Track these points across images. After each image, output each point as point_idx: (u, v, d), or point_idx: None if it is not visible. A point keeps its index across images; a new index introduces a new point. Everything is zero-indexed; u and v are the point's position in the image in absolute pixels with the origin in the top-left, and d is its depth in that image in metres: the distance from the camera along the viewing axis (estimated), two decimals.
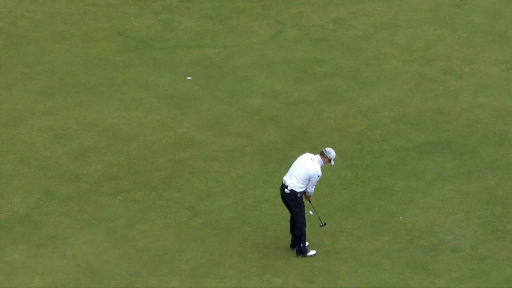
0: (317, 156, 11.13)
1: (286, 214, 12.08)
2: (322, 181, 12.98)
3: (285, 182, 11.10)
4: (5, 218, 11.73)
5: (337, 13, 18.48)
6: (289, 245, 11.50)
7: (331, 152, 11.16)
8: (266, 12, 18.46)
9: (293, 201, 11.09)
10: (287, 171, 11.26)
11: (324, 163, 11.10)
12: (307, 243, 11.42)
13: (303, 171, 11.00)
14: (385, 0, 19.21)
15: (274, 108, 15.02)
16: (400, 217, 12.16)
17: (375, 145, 13.95)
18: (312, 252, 11.37)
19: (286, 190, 11.04)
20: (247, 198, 12.52)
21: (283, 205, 12.25)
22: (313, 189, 11.23)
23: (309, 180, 11.00)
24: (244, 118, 14.64)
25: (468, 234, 11.84)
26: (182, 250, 11.39)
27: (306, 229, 11.36)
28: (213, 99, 15.19)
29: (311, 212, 11.43)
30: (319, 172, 11.02)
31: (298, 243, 11.30)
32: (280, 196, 11.32)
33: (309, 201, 11.44)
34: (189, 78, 16.00)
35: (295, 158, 13.46)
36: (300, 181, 10.98)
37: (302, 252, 11.34)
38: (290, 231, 11.46)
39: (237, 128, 14.28)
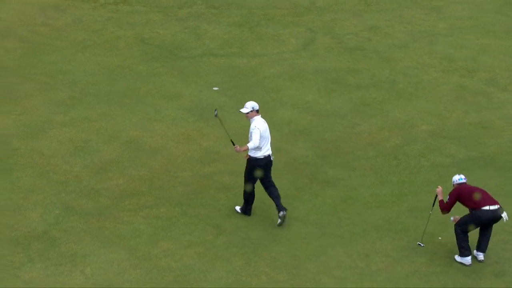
0: (258, 116, 12.05)
1: (316, 233, 12.06)
2: (355, 199, 12.96)
3: (270, 153, 12.08)
4: (23, 235, 11.86)
5: (373, 20, 18.46)
6: (282, 211, 12.02)
7: (256, 105, 12.07)
8: (297, 19, 18.52)
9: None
10: (268, 145, 12.05)
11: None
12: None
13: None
14: (424, 7, 19.16)
15: (305, 120, 15.02)
16: (439, 238, 12.06)
17: (412, 161, 13.87)
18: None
19: (271, 157, 12.14)
20: (276, 215, 12.50)
21: (314, 223, 12.27)
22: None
23: None
24: (273, 131, 14.62)
25: None
26: (207, 270, 11.41)
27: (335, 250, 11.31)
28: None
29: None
30: None
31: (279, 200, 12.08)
32: (263, 169, 12.00)
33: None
34: (215, 88, 16.08)
35: (326, 173, 13.48)
36: None
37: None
38: (272, 195, 12.07)
39: None
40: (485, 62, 16.93)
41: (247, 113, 12.05)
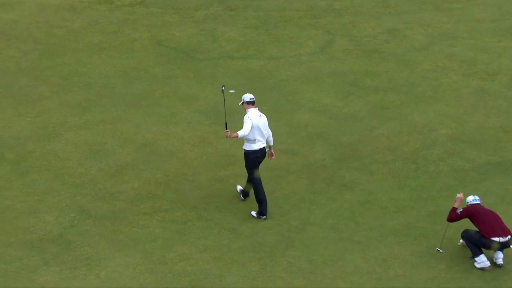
0: (255, 109, 12.39)
1: (333, 237, 12.07)
2: (372, 203, 12.95)
3: (265, 146, 12.38)
4: (38, 238, 11.96)
5: (391, 23, 18.43)
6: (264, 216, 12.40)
7: (251, 96, 12.45)
8: (314, 21, 18.52)
9: None
10: (264, 139, 12.37)
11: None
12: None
13: (267, 128, 12.45)
14: (444, 9, 19.09)
15: (322, 123, 15.03)
16: (459, 243, 12.03)
17: (431, 165, 13.84)
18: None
19: (266, 150, 12.44)
20: (292, 219, 12.53)
21: (331, 228, 12.28)
22: None
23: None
24: (290, 134, 14.68)
25: None
26: (222, 275, 11.45)
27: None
28: None
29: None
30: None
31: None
32: (260, 161, 12.38)
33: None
34: (232, 91, 16.12)
35: (343, 177, 13.48)
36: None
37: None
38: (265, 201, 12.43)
39: (282, 145, 14.33)
40: (506, 65, 16.85)
41: (241, 104, 12.41)
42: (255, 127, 12.21)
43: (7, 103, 15.36)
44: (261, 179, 12.43)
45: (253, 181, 12.36)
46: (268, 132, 12.45)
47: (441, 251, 11.85)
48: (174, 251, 11.82)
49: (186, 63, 17.03)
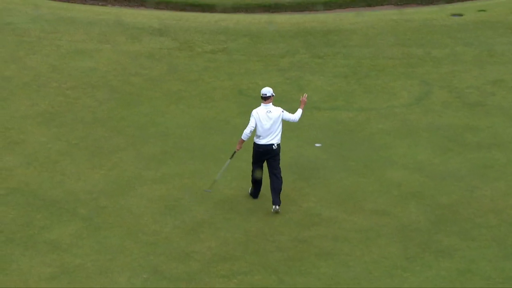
0: (268, 105, 13.69)
1: None
2: (474, 273, 12.57)
3: (272, 143, 13.66)
4: None
5: (497, 73, 18.16)
6: (274, 205, 13.68)
7: (263, 91, 13.75)
8: (410, 71, 18.44)
9: (279, 153, 13.81)
10: (270, 136, 13.65)
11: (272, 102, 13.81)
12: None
13: (277, 124, 13.66)
14: None
15: (417, 182, 14.81)
16: None
17: None
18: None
19: (274, 147, 13.73)
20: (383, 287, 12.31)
21: None
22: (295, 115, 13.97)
23: (281, 123, 13.75)
24: (381, 193, 14.51)
25: None
26: None
27: None
28: (345, 170, 15.20)
29: None
30: (281, 109, 13.86)
31: (279, 194, 13.73)
32: (263, 155, 13.73)
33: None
34: (318, 144, 16.10)
35: (441, 242, 13.17)
36: (280, 132, 13.81)
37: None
38: (270, 186, 13.72)
39: (372, 205, 14.17)
40: None
41: None
42: (258, 124, 13.60)
43: (81, 155, 15.76)
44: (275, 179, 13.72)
45: (252, 173, 13.87)
46: (280, 125, 13.66)
47: None
48: None
49: None
